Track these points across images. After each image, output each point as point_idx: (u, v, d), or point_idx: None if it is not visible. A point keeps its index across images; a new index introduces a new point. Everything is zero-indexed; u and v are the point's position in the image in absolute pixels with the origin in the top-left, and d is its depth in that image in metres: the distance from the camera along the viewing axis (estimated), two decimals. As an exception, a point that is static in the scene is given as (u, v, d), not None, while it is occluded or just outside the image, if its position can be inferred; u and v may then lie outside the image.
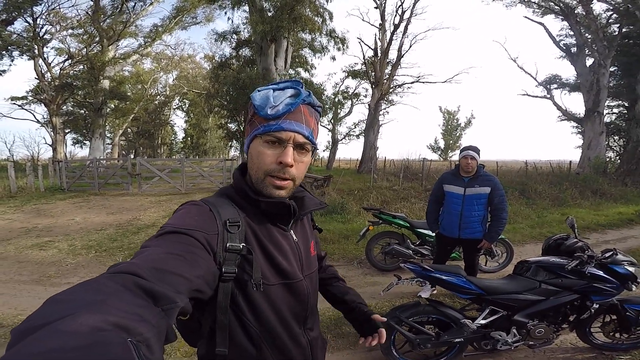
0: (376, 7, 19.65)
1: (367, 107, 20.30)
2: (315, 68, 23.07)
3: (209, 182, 11.74)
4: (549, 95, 19.44)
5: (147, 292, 0.49)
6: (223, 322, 0.74)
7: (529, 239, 6.37)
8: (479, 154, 3.13)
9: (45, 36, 18.83)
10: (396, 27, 19.17)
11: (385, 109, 21.86)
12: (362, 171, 17.56)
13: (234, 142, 23.45)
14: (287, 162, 0.75)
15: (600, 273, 2.32)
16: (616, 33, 16.90)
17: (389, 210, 5.24)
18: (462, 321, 2.32)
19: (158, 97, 31.55)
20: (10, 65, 18.87)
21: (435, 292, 3.73)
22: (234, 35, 17.67)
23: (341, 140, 25.45)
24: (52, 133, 20.30)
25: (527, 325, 2.32)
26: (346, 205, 8.32)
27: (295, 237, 0.87)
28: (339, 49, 17.30)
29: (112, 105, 22.37)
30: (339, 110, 25.69)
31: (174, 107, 35.18)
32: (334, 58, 17.25)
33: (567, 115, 18.93)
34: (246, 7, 14.89)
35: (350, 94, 24.82)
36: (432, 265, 2.42)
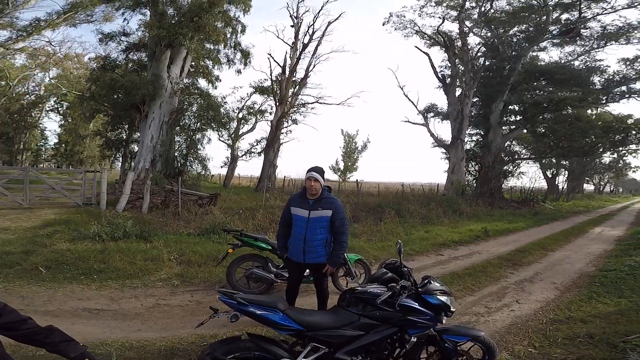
0: (292, 26, 20.15)
1: (269, 124, 20.26)
2: (220, 80, 22.10)
3: (65, 197, 9.70)
4: (425, 123, 22.12)
5: None
6: None
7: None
8: (323, 176, 3.04)
9: None
10: (305, 46, 19.90)
11: (287, 127, 22.15)
12: (260, 189, 17.16)
13: (114, 151, 20.47)
14: None
15: (413, 304, 2.23)
16: (481, 65, 19.64)
17: (251, 233, 5.00)
18: None
19: (27, 96, 27.61)
20: None
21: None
22: (123, 37, 15.95)
23: (241, 157, 24.73)
24: None
25: None
26: (227, 226, 7.78)
27: None
28: (244, 63, 16.97)
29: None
30: (241, 126, 25.00)
31: (48, 108, 29.70)
32: (239, 72, 16.74)
33: (438, 142, 21.87)
34: (146, 10, 13.87)
35: (256, 110, 24.45)
36: (249, 297, 2.11)
